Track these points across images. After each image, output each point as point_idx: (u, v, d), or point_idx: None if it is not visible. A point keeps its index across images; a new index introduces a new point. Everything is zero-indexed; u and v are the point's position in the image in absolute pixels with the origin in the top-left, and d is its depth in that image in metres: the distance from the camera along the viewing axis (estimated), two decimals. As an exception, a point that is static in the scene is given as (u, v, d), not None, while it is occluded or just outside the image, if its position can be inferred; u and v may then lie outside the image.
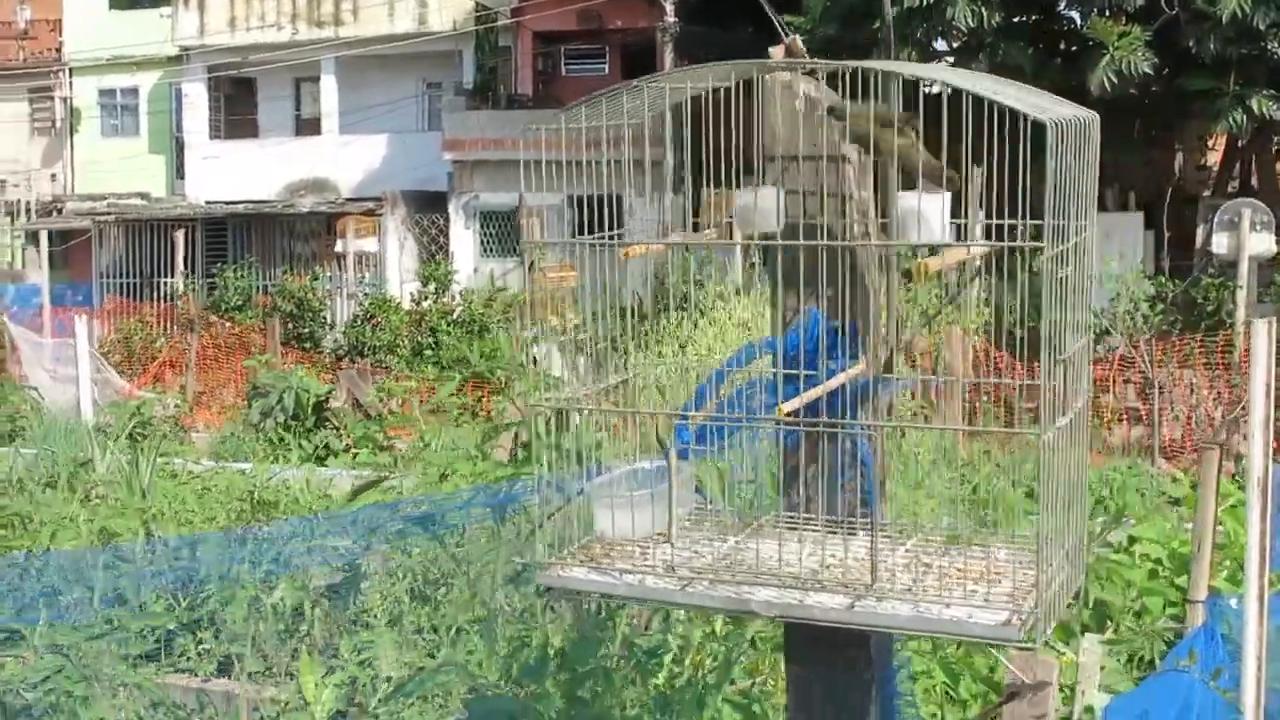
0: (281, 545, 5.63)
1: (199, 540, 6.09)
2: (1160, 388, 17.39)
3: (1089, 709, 4.25)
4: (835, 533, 2.80)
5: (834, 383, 2.61)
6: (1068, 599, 2.65)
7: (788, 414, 2.51)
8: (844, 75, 2.68)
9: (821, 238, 2.80)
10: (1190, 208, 24.23)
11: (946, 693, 4.69)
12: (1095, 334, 19.41)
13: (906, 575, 2.63)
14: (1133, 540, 8.12)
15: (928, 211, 2.63)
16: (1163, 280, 20.13)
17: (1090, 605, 6.93)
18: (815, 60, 2.68)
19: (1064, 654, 4.74)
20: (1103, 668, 4.91)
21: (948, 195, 2.63)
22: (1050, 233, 2.38)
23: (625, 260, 2.71)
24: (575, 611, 4.21)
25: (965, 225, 2.75)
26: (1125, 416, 17.41)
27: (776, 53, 2.79)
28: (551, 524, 2.71)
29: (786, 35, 3.04)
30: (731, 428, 2.80)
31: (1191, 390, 17.95)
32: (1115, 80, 20.90)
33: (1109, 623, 6.94)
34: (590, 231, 2.88)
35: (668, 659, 3.94)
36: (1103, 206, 24.47)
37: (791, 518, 2.88)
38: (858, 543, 2.73)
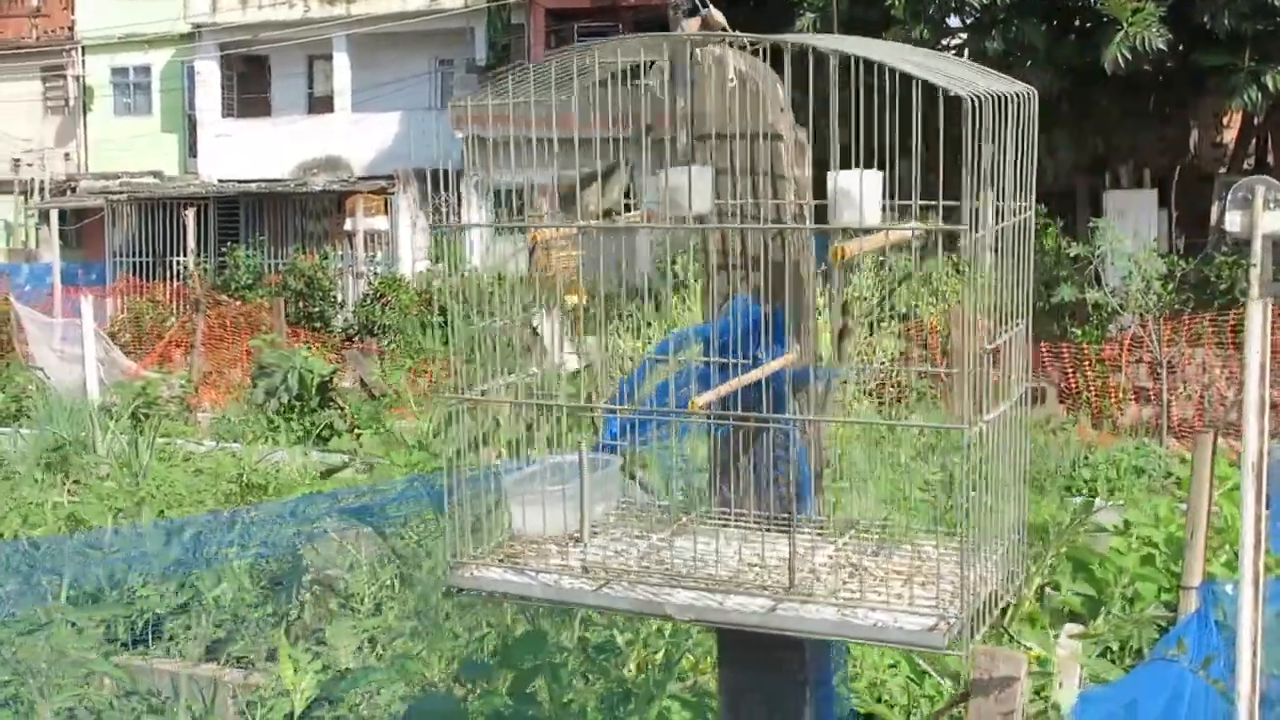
0: (221, 536, 5.53)
1: (148, 529, 5.99)
2: (1172, 367, 17.20)
3: (1055, 707, 4.11)
4: (769, 530, 2.67)
5: (750, 377, 2.48)
6: (1007, 597, 2.52)
7: (702, 406, 2.38)
8: (767, 50, 2.54)
9: (750, 220, 2.67)
10: (1206, 185, 23.98)
11: (914, 687, 4.56)
12: (1106, 313, 19.21)
13: (833, 576, 2.49)
14: (1129, 524, 7.96)
15: (858, 192, 2.48)
16: (1175, 259, 19.90)
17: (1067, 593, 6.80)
18: (730, 32, 2.54)
19: (1031, 649, 4.60)
20: (1082, 663, 4.76)
21: (880, 175, 2.49)
22: (971, 215, 2.23)
23: (532, 242, 2.57)
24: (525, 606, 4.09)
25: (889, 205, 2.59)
26: (1136, 396, 17.23)
27: (691, 25, 2.66)
28: (464, 522, 2.58)
29: (702, 9, 2.86)
30: (659, 420, 2.67)
31: (1204, 370, 17.75)
32: (1129, 56, 20.66)
33: (1103, 609, 6.79)
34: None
35: (632, 655, 3.81)
36: (1116, 184, 24.22)
37: (723, 514, 2.75)
38: (785, 541, 2.59)
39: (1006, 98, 2.34)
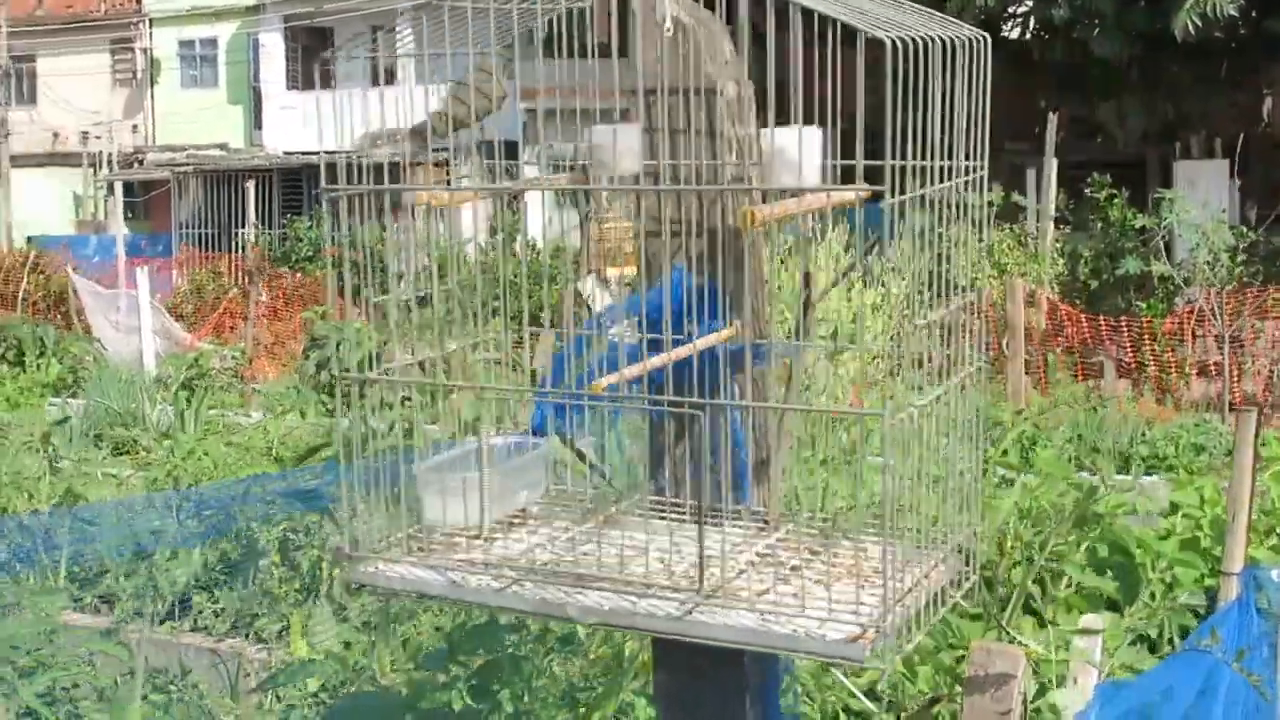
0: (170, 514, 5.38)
1: (127, 504, 5.85)
2: (1241, 342, 16.72)
3: (1052, 707, 3.85)
4: (705, 522, 2.43)
5: (659, 360, 2.23)
6: (953, 598, 2.27)
7: (605, 389, 2.15)
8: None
9: (683, 181, 2.43)
10: (1279, 154, 23.34)
11: (906, 681, 4.31)
12: (1173, 286, 18.70)
13: (758, 577, 2.25)
14: (1175, 506, 7.62)
15: (794, 151, 2.23)
16: (1244, 230, 19.34)
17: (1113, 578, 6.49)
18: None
19: (1026, 645, 4.34)
20: (1088, 659, 4.48)
21: (818, 132, 2.24)
22: (895, 174, 1.97)
23: (421, 205, 2.35)
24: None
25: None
26: (1199, 372, 16.76)
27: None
28: (367, 512, 2.37)
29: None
30: (576, 403, 2.44)
31: (1273, 344, 17.23)
32: (1200, 23, 20.12)
33: (1137, 596, 6.48)
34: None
35: (593, 647, 3.60)
36: (1187, 154, 23.63)
37: (658, 504, 2.52)
38: (714, 538, 2.35)
39: (949, 43, 2.07)
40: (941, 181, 2.20)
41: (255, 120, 37.92)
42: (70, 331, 21.99)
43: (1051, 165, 20.15)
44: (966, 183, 2.17)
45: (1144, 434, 12.97)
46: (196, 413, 14.05)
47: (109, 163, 37.92)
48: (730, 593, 2.18)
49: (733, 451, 2.45)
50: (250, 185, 30.88)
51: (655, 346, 2.43)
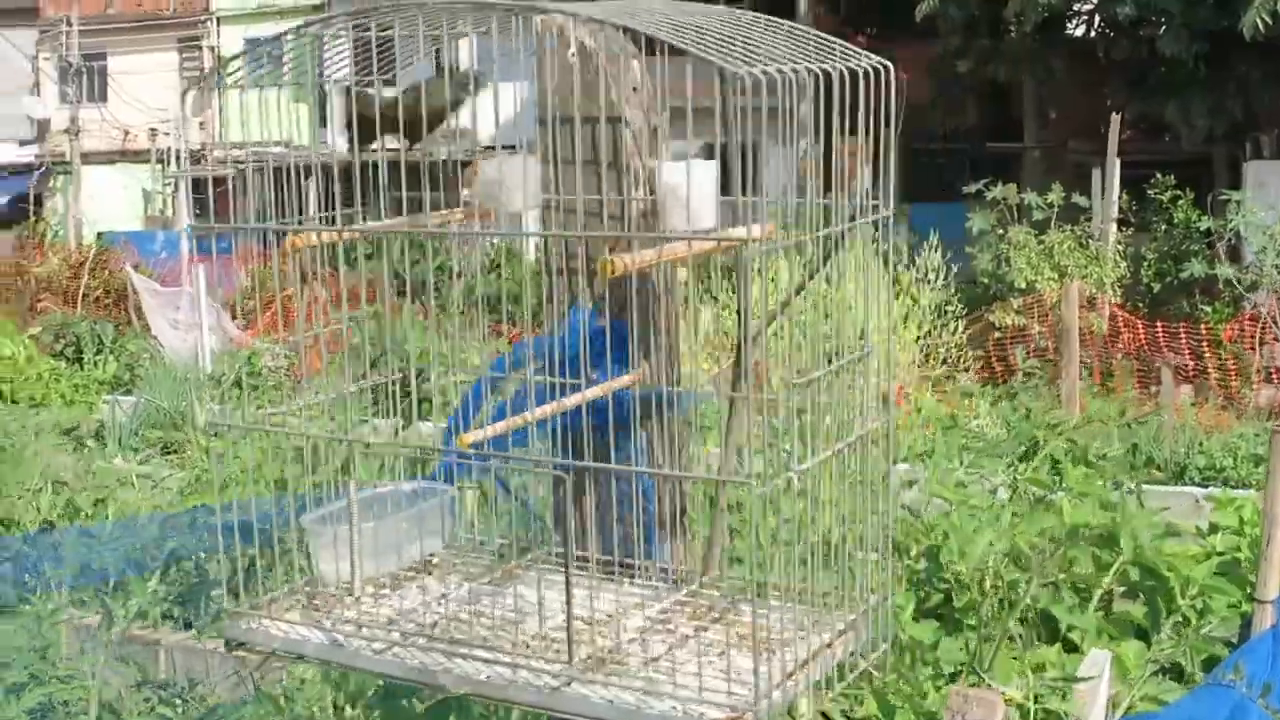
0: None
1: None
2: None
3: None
4: (610, 578, 2.28)
5: (512, 418, 2.08)
6: (862, 666, 2.10)
7: (470, 445, 2.00)
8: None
9: (590, 216, 2.28)
10: (1354, 155, 22.76)
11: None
12: (1238, 290, 18.27)
13: (644, 645, 2.09)
14: (1214, 527, 7.34)
15: (684, 189, 2.07)
16: (1312, 233, 18.85)
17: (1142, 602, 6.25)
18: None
19: (1004, 693, 4.13)
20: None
21: (713, 167, 2.07)
22: (760, 215, 1.81)
23: (294, 251, 2.22)
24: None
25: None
26: (1260, 379, 16.32)
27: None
28: (247, 565, 2.25)
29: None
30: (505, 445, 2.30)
31: (1343, 351, 16.76)
32: (1270, 21, 19.61)
33: (1164, 625, 6.23)
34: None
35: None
36: (1257, 153, 23.10)
37: (560, 560, 2.37)
38: (606, 598, 2.19)
39: (835, 75, 1.90)
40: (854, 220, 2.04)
41: (321, 118, 38.13)
42: (130, 328, 22.14)
43: (1114, 165, 19.75)
44: (870, 223, 2.00)
45: (1201, 444, 12.60)
46: (242, 413, 14.05)
47: (176, 159, 38.24)
48: (613, 663, 2.03)
49: (640, 506, 2.29)
50: (311, 183, 31.04)
51: (562, 391, 2.28)
